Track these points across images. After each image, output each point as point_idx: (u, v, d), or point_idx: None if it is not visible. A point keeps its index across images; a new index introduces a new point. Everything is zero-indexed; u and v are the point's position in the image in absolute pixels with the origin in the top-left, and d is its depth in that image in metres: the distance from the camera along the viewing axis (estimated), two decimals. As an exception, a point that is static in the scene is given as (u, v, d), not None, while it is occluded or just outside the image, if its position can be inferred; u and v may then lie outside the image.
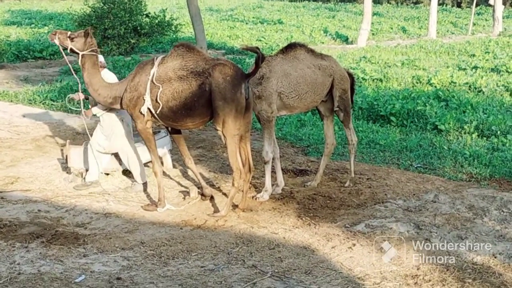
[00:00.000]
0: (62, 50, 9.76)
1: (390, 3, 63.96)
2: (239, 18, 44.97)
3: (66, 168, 11.46)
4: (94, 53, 9.65)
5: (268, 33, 36.64)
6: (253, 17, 44.87)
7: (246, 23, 42.10)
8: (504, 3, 46.01)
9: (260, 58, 8.98)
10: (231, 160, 9.26)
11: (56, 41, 9.50)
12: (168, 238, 8.55)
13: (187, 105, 9.03)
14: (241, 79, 9.01)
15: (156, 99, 9.11)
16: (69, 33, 9.53)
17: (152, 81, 9.17)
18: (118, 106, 9.83)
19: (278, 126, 15.17)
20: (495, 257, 8.16)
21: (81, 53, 9.53)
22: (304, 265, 7.79)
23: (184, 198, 10.29)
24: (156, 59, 9.44)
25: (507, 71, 22.63)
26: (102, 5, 27.94)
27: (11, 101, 18.21)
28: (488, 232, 9.01)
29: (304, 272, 7.59)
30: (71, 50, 9.59)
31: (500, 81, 20.53)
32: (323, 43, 35.00)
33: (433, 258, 8.00)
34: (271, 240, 8.54)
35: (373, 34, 37.79)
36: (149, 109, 9.23)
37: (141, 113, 9.31)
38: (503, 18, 42.40)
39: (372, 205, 10.02)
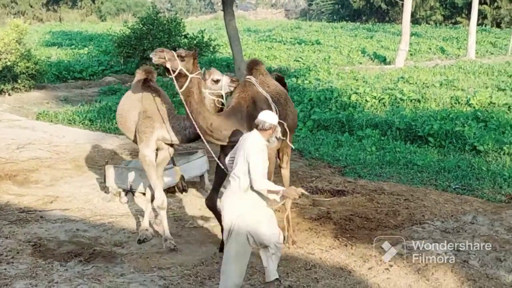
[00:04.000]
0: (171, 71, 8.15)
1: (428, 24, 63.63)
2: (277, 38, 45.14)
3: (104, 188, 11.56)
4: (200, 77, 8.51)
5: (306, 54, 36.73)
6: (291, 38, 45.01)
7: (284, 44, 42.23)
8: (545, 23, 45.65)
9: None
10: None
11: (165, 61, 8.09)
12: (205, 258, 8.57)
13: None
14: None
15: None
16: (177, 52, 8.32)
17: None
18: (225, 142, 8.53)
19: (315, 146, 15.17)
20: None
21: (190, 76, 8.18)
22: (341, 286, 7.78)
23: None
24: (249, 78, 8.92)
25: (548, 92, 22.39)
26: (141, 26, 28.27)
27: (51, 121, 18.47)
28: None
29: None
30: (179, 72, 8.16)
31: (540, 101, 20.31)
32: (361, 63, 34.96)
33: (472, 281, 7.92)
34: (307, 261, 8.53)
35: (411, 54, 37.65)
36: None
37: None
38: (544, 38, 42.00)
39: (409, 226, 9.95)
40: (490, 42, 45.39)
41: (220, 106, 9.01)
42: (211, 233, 9.67)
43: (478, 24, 46.99)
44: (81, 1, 78.03)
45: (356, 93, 21.28)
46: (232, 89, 8.95)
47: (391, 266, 8.34)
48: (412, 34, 43.62)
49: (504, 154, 14.27)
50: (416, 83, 25.34)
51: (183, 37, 29.12)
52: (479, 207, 10.87)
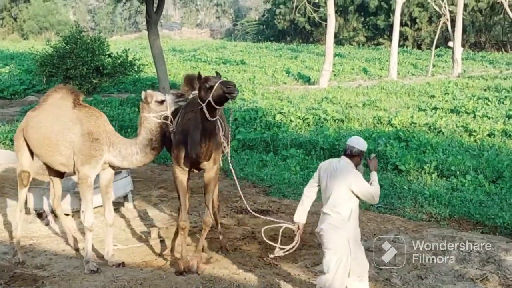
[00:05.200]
0: None
1: (352, 45, 64.68)
2: (202, 58, 45.19)
3: (25, 209, 11.32)
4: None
5: (231, 74, 36.83)
6: (216, 58, 45.12)
7: (209, 64, 42.28)
8: (463, 45, 46.80)
9: None
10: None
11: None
12: (128, 280, 8.47)
13: None
14: None
15: None
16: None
17: None
18: None
19: (240, 166, 15.19)
20: (459, 297, 8.24)
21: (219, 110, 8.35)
22: (264, 306, 7.78)
23: (145, 239, 10.22)
24: None
25: (466, 112, 22.95)
26: (65, 45, 27.93)
27: (-30, 141, 18.06)
28: (447, 272, 9.09)
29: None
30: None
31: (459, 121, 20.83)
32: (285, 83, 35.23)
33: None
34: (231, 281, 8.50)
35: (335, 75, 38.16)
36: None
37: None
38: (462, 59, 43.07)
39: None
40: (411, 63, 46.36)
41: (164, 127, 8.83)
42: (134, 254, 9.57)
43: (399, 46, 47.98)
44: (3, 19, 76.70)
45: (280, 113, 21.44)
46: (181, 104, 8.76)
47: (314, 285, 8.37)
48: (335, 55, 44.21)
49: (425, 173, 14.55)
50: (339, 103, 25.67)
51: (107, 56, 28.88)
52: (401, 225, 11.05)
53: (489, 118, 22.00)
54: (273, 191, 13.32)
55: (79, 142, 8.81)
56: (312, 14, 43.60)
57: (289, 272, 8.85)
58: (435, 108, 24.08)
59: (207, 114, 8.03)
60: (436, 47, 46.17)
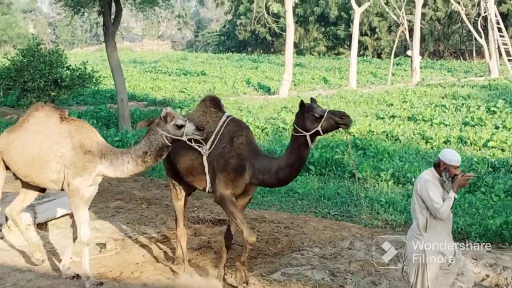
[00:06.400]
0: None
1: (312, 54, 65.01)
2: (162, 69, 45.13)
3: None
4: None
5: (191, 85, 36.87)
6: (177, 69, 45.07)
7: (169, 75, 42.25)
8: (422, 54, 47.30)
9: None
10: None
11: None
12: (85, 292, 8.43)
13: None
14: None
15: None
16: None
17: None
18: None
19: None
20: (409, 302, 8.30)
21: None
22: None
23: (100, 251, 10.16)
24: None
25: (423, 120, 23.22)
26: (22, 57, 27.65)
27: None
28: (401, 277, 9.15)
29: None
30: None
31: (416, 129, 21.07)
32: (245, 93, 35.31)
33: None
34: (186, 291, 8.51)
35: (295, 84, 38.33)
36: None
37: None
38: (421, 68, 43.52)
39: (289, 253, 10.08)
40: (371, 72, 46.73)
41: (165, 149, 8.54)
42: (91, 266, 9.50)
43: (359, 55, 48.47)
44: (-40, 32, 75.90)
45: (239, 123, 21.44)
46: (196, 137, 8.36)
47: (269, 293, 8.43)
48: (296, 65, 44.49)
49: (381, 180, 14.67)
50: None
51: (65, 68, 28.64)
52: (356, 232, 11.13)
53: (445, 125, 22.29)
54: (230, 201, 13.31)
55: (71, 155, 8.66)
56: (272, 24, 43.80)
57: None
58: (393, 116, 24.34)
59: (310, 143, 7.98)
60: (395, 56, 46.64)
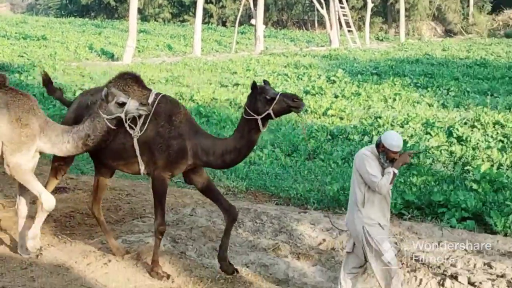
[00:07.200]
0: None
1: (157, 21, 64.34)
2: (0, 33, 43.35)
3: None
4: None
5: (30, 49, 35.57)
6: (16, 33, 43.38)
7: (8, 39, 40.58)
8: (265, 23, 47.86)
9: None
10: None
11: None
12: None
13: None
14: None
15: None
16: None
17: None
18: None
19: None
20: (248, 267, 8.50)
21: None
22: (58, 284, 7.66)
23: None
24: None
25: (266, 88, 23.54)
26: None
27: None
28: (242, 243, 9.34)
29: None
30: None
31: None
32: (88, 59, 34.52)
33: (188, 271, 8.13)
34: (23, 260, 8.27)
35: (139, 51, 37.85)
36: None
37: None
38: (265, 37, 44.08)
39: (130, 220, 10.04)
40: (216, 40, 46.85)
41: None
42: None
43: (204, 23, 48.49)
44: None
45: (81, 89, 21.04)
46: (140, 113, 7.85)
47: (109, 261, 8.34)
48: (140, 31, 43.96)
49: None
50: (143, 79, 25.48)
51: None
52: (198, 199, 11.20)
53: (287, 93, 22.67)
54: (71, 168, 13.04)
55: (8, 130, 7.95)
56: (115, -11, 43.04)
57: (84, 249, 8.70)
58: (237, 84, 24.56)
59: (261, 126, 7.67)
60: (240, 24, 46.92)
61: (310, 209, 11.32)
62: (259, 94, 7.65)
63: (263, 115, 7.60)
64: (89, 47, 38.09)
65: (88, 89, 9.61)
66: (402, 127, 16.97)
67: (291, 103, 7.57)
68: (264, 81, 7.98)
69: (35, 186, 8.16)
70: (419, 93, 23.56)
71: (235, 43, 41.94)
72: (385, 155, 7.12)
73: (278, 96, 7.55)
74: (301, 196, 11.80)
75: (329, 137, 16.18)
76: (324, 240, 9.66)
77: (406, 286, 7.95)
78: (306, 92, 22.75)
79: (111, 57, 35.91)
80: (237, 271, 8.15)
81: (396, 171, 7.15)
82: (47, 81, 8.75)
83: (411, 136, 15.96)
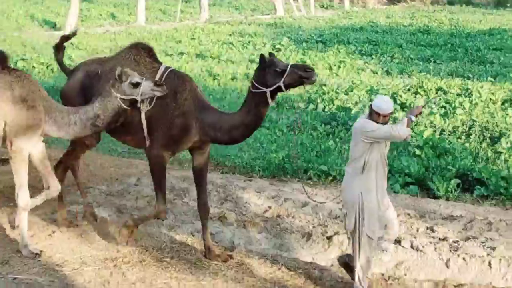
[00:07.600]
0: None
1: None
2: None
3: None
4: None
5: (-32, 19, 34.93)
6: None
7: None
8: (209, -9, 47.61)
9: None
10: None
11: None
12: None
13: None
14: None
15: None
16: None
17: None
18: None
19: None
20: (193, 235, 8.52)
21: None
22: (0, 256, 7.55)
23: None
24: None
25: (211, 57, 23.54)
26: None
27: None
28: (187, 211, 9.34)
29: (0, 263, 7.35)
30: None
31: (204, 66, 21.31)
32: (29, 29, 33.95)
33: (134, 240, 8.10)
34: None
35: (82, 20, 37.37)
36: None
37: None
38: (209, 6, 43.86)
39: (75, 191, 9.90)
40: (160, 9, 46.53)
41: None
42: None
43: (147, -9, 47.71)
44: None
45: (23, 59, 20.75)
46: (156, 94, 7.42)
47: (53, 232, 8.28)
48: (83, 0, 43.27)
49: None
50: (86, 49, 25.33)
51: None
52: (144, 169, 11.10)
53: (232, 62, 22.72)
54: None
55: (13, 111, 7.52)
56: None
57: (28, 220, 8.61)
58: (182, 53, 24.47)
59: (269, 99, 7.36)
60: (184, -7, 46.61)
61: (256, 177, 11.37)
62: (268, 67, 7.35)
63: (273, 87, 7.32)
64: (30, 17, 37.51)
65: (89, 59, 9.29)
66: (347, 94, 17.09)
67: (303, 74, 7.26)
68: (270, 53, 7.67)
69: (22, 177, 7.76)
70: (364, 60, 23.78)
71: (179, 12, 41.67)
72: (377, 120, 7.08)
73: (288, 68, 7.27)
74: (246, 164, 11.84)
75: (274, 105, 16.17)
76: (269, 207, 9.71)
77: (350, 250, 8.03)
78: (251, 61, 22.71)
79: (53, 26, 35.38)
80: (232, 257, 8.08)
81: (413, 118, 7.27)
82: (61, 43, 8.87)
83: (356, 103, 16.10)
